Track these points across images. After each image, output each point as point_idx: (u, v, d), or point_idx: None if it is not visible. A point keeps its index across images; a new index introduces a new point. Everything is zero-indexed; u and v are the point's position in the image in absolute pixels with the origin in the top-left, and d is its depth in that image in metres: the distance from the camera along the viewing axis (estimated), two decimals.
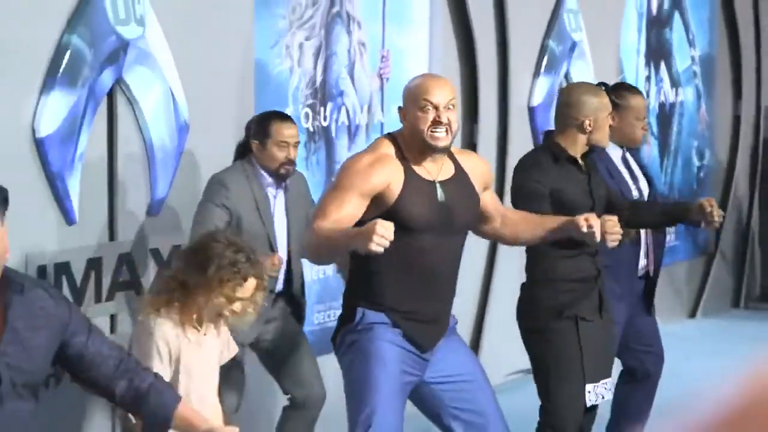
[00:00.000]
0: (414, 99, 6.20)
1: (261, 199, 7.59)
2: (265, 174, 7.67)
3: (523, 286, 7.44)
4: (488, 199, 6.64)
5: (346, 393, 6.32)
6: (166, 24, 8.06)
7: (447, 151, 6.32)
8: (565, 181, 7.19)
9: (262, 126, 7.69)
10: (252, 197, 7.56)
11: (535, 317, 7.20)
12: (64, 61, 7.53)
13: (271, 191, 7.71)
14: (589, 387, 7.14)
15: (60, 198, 7.55)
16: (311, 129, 9.40)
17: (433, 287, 6.20)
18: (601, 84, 7.84)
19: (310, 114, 9.37)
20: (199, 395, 5.76)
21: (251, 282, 5.75)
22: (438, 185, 6.22)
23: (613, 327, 7.48)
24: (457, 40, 10.67)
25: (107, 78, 7.81)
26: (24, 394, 4.75)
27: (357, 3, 9.69)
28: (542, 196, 7.11)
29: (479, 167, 6.63)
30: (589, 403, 7.16)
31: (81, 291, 7.64)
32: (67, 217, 7.57)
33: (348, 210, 6.04)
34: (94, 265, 7.71)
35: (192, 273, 5.73)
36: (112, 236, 7.87)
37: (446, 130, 6.16)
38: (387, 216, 5.98)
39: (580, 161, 7.27)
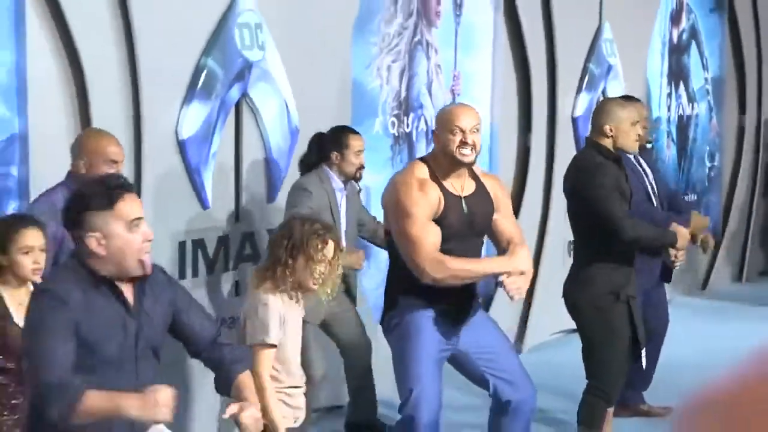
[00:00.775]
0: (446, 124, 6.12)
1: (333, 200, 7.62)
2: (335, 179, 7.69)
3: (578, 267, 7.24)
4: (501, 221, 6.46)
5: (394, 365, 6.27)
6: (281, 49, 8.10)
7: (472, 165, 6.27)
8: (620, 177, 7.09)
9: (341, 139, 7.73)
10: (327, 199, 7.58)
11: (592, 296, 7.03)
12: (201, 79, 7.59)
13: (339, 194, 7.73)
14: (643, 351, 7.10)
15: (197, 188, 7.60)
16: (396, 134, 9.40)
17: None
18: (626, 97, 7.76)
19: (396, 122, 9.38)
20: (294, 355, 5.73)
21: (331, 244, 5.66)
22: (463, 200, 6.17)
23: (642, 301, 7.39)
24: (514, 63, 10.63)
25: (235, 92, 7.85)
26: (149, 355, 4.68)
27: (434, 33, 9.68)
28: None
29: (494, 188, 6.48)
30: (644, 364, 7.17)
31: (213, 262, 7.73)
32: (203, 203, 7.63)
33: (433, 231, 5.99)
34: (223, 241, 7.79)
35: (284, 247, 5.65)
36: (237, 219, 7.91)
37: (471, 149, 6.12)
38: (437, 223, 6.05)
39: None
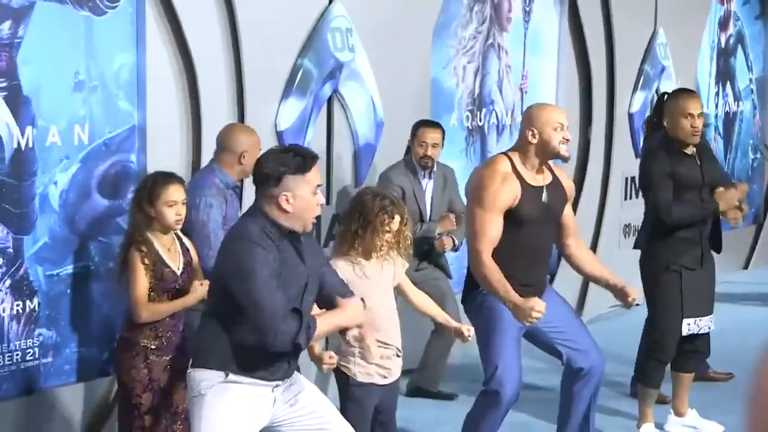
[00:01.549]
0: (550, 122, 6.01)
1: (416, 185, 7.65)
2: (418, 166, 7.79)
3: (644, 241, 7.27)
4: (567, 212, 6.43)
5: (478, 342, 6.19)
6: (369, 51, 8.15)
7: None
8: (677, 166, 7.02)
9: (414, 130, 7.82)
10: (410, 184, 7.64)
11: (649, 268, 7.03)
12: (298, 78, 7.65)
13: (421, 179, 7.78)
14: (687, 321, 7.01)
15: None
16: (470, 127, 9.40)
17: (536, 260, 6.08)
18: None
19: (470, 117, 9.38)
20: (376, 311, 5.55)
21: (397, 218, 5.61)
22: (544, 189, 6.11)
23: (711, 274, 7.26)
24: (577, 64, 10.59)
25: (327, 89, 7.91)
26: (311, 301, 4.87)
27: (506, 37, 9.69)
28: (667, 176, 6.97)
29: (567, 182, 6.46)
30: (685, 333, 7.01)
31: None
32: None
33: (496, 225, 5.92)
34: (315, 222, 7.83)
35: (355, 219, 5.64)
36: (328, 201, 7.87)
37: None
38: (509, 215, 5.97)
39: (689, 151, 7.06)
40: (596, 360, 6.39)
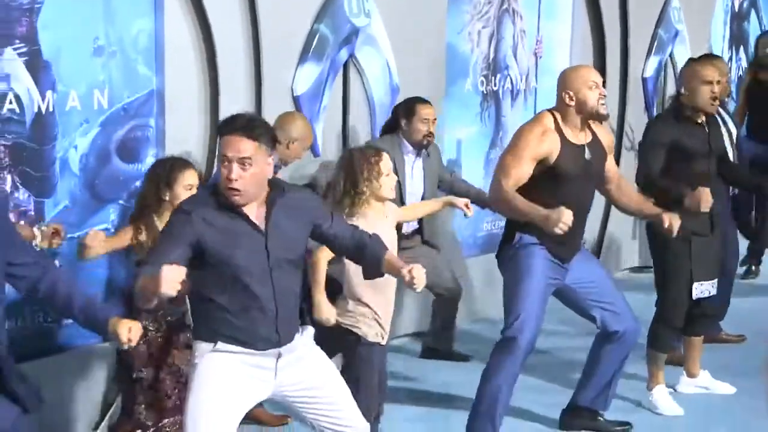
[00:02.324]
0: (585, 82, 6.08)
1: (399, 163, 7.35)
2: (408, 144, 7.54)
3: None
4: (609, 164, 6.50)
5: (504, 291, 6.25)
6: (384, 16, 8.14)
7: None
8: (684, 134, 6.96)
9: (409, 108, 7.56)
10: (393, 161, 7.39)
11: (659, 234, 6.85)
12: (314, 43, 7.65)
13: (409, 158, 7.55)
14: (696, 285, 7.00)
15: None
16: (485, 92, 9.35)
17: (575, 218, 5.97)
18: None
19: (484, 82, 9.33)
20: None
21: (385, 156, 5.72)
22: (586, 147, 6.16)
23: (720, 241, 7.27)
24: (591, 28, 10.59)
25: (343, 54, 7.91)
26: (286, 267, 4.74)
27: (520, 2, 9.63)
28: (662, 145, 6.94)
29: (607, 137, 6.51)
30: (695, 297, 7.01)
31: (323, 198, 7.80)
32: (314, 151, 7.66)
33: (524, 169, 5.98)
34: (330, 184, 7.81)
35: (350, 174, 5.70)
36: None
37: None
38: (549, 170, 6.01)
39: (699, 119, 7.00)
40: (631, 325, 6.44)
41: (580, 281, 6.31)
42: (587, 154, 6.18)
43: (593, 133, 6.29)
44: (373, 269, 5.13)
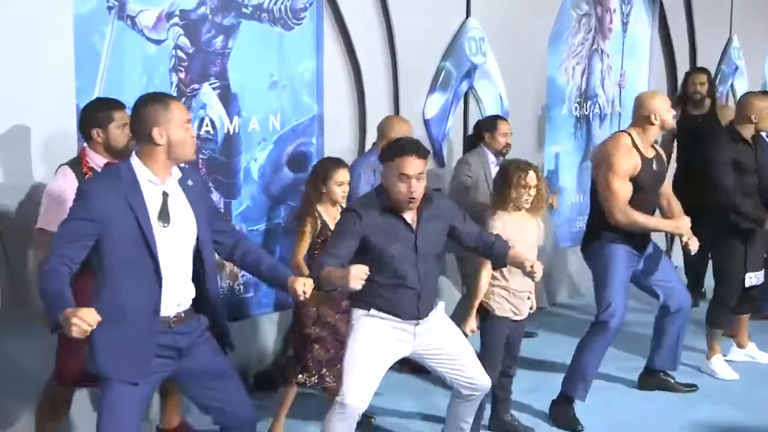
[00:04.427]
0: (666, 106, 6.03)
1: (487, 171, 7.16)
2: (490, 154, 7.22)
3: (707, 205, 7.03)
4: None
5: (595, 282, 6.19)
6: (497, 55, 8.15)
7: None
8: (738, 153, 6.87)
9: (491, 124, 7.29)
10: (482, 169, 7.14)
11: (720, 227, 6.89)
12: (441, 77, 7.69)
13: (493, 164, 7.25)
14: (748, 275, 6.93)
15: (437, 152, 7.69)
16: (577, 116, 9.32)
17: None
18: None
19: (577, 107, 9.31)
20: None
21: (531, 173, 5.56)
22: (654, 160, 6.10)
23: (764, 237, 7.06)
24: (665, 65, 10.48)
25: (464, 86, 7.92)
26: (429, 258, 4.79)
27: (607, 43, 9.61)
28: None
29: (663, 152, 6.41)
30: (747, 285, 6.94)
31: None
32: (440, 162, 7.71)
33: (626, 187, 5.93)
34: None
35: (504, 183, 5.59)
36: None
37: None
38: (633, 180, 5.96)
39: (749, 140, 6.91)
40: (685, 300, 6.42)
41: (647, 268, 6.29)
42: (655, 166, 6.12)
43: (656, 150, 6.23)
44: (499, 261, 5.12)
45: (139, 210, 3.82)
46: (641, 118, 6.10)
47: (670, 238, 10.05)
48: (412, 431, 6.01)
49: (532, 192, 5.60)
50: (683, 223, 6.03)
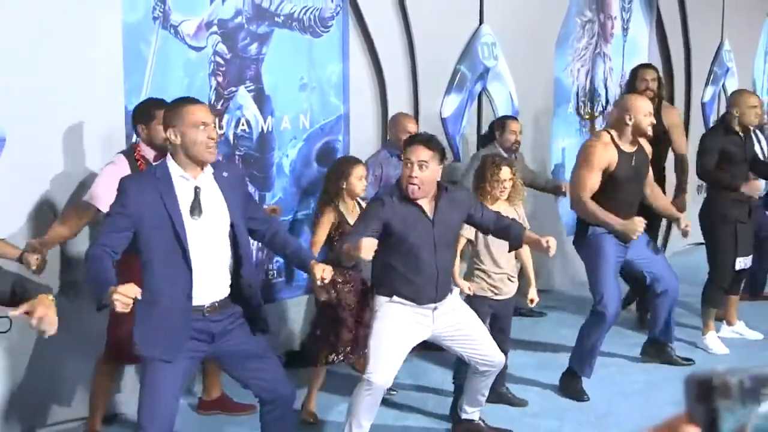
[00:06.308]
0: (642, 111, 5.88)
1: None
2: (502, 150, 7.13)
3: (707, 199, 7.14)
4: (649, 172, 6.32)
5: (588, 274, 6.10)
6: (508, 59, 8.12)
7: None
8: (728, 143, 6.89)
9: (503, 123, 7.27)
10: None
11: (712, 219, 6.93)
12: (456, 79, 7.68)
13: None
14: (739, 259, 6.93)
15: (453, 149, 7.63)
16: (582, 114, 9.31)
17: (629, 210, 5.95)
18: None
19: (582, 106, 9.28)
20: (498, 250, 5.52)
21: (504, 168, 5.52)
22: (633, 156, 5.99)
23: (754, 223, 7.07)
24: (662, 66, 10.36)
25: (478, 87, 7.91)
26: (445, 244, 4.77)
27: (609, 47, 9.59)
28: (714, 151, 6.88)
29: (648, 148, 6.23)
30: (737, 269, 6.93)
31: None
32: (456, 157, 7.64)
33: (594, 180, 5.86)
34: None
35: (482, 175, 5.57)
36: None
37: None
38: (609, 175, 5.87)
39: (740, 133, 6.93)
40: (671, 283, 6.36)
41: (636, 255, 6.20)
42: (633, 161, 6.01)
43: (638, 145, 6.09)
44: (515, 243, 5.06)
45: (171, 205, 3.80)
46: (617, 117, 6.02)
47: (666, 232, 10.00)
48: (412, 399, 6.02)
49: (507, 185, 5.57)
50: (633, 226, 5.82)
